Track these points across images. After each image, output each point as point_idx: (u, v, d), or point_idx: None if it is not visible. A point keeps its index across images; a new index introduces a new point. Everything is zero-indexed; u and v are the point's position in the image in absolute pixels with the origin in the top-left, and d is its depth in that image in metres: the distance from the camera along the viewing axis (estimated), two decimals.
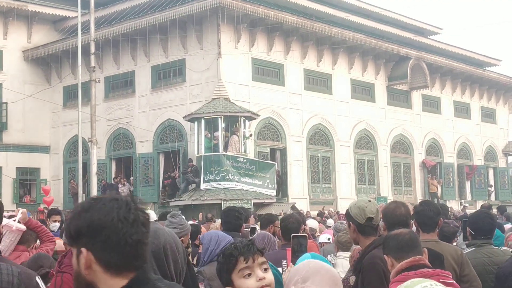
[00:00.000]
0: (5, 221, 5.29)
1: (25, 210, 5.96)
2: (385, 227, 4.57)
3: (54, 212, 9.90)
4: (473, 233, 5.57)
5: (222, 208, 19.43)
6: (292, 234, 3.14)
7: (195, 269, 5.25)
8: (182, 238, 5.63)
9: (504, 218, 12.40)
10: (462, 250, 5.06)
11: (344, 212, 5.94)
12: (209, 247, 5.14)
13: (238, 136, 24.44)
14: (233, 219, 6.37)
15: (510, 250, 5.73)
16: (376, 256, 3.99)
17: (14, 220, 5.46)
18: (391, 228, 4.58)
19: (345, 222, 5.64)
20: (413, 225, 5.30)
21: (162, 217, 8.38)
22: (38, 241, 5.87)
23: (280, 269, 4.38)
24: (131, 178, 28.34)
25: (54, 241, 5.89)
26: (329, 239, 8.86)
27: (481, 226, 5.52)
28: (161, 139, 27.84)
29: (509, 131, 42.66)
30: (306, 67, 29.40)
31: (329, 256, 7.37)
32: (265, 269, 2.61)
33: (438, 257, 4.32)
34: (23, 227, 5.63)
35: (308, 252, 3.11)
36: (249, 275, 2.57)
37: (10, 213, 5.92)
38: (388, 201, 21.05)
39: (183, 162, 26.09)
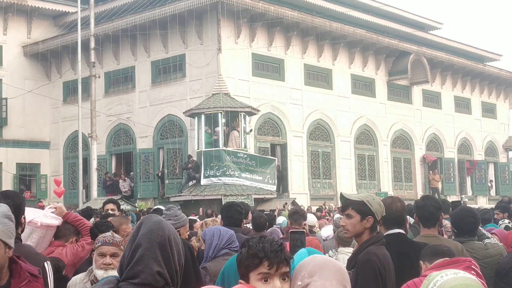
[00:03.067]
0: (31, 216, 5.15)
1: (60, 204, 5.82)
2: (380, 223, 4.54)
3: (108, 201, 9.24)
4: (455, 231, 5.54)
5: (223, 204, 19.48)
6: (290, 230, 3.12)
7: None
8: (178, 230, 5.61)
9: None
10: (462, 245, 5.04)
11: None
12: (212, 242, 5.14)
13: (239, 132, 24.41)
14: (235, 213, 6.38)
15: (494, 240, 5.71)
16: (372, 253, 3.95)
17: (40, 216, 5.33)
18: (387, 224, 4.55)
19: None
20: (410, 220, 5.29)
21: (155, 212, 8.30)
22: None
23: None
24: (131, 173, 28.38)
25: None
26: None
27: (463, 225, 5.48)
28: (161, 134, 27.83)
29: (510, 126, 42.64)
30: (306, 62, 29.36)
31: (330, 251, 7.34)
32: (285, 279, 2.51)
33: None
34: (53, 222, 5.44)
35: (308, 249, 3.09)
36: (266, 280, 2.48)
37: (47, 208, 5.78)
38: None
39: (183, 157, 26.11)
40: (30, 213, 5.25)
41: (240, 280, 2.54)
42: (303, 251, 2.77)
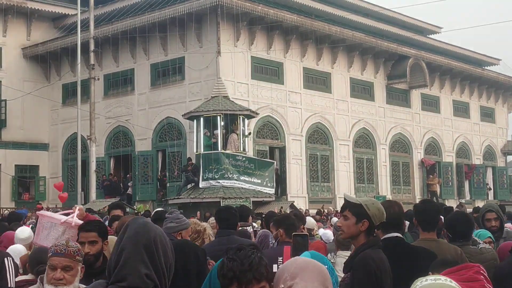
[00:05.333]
0: (64, 217, 5.39)
1: (82, 206, 6.00)
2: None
3: (114, 205, 8.79)
4: (450, 236, 5.53)
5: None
6: (293, 233, 3.15)
7: None
8: (180, 232, 5.62)
9: (505, 217, 12.39)
10: (462, 250, 5.05)
11: None
12: None
13: (237, 134, 24.43)
14: (230, 216, 6.42)
15: (487, 246, 5.70)
16: (368, 256, 3.96)
17: (72, 217, 5.54)
18: (384, 228, 4.57)
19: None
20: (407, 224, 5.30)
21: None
22: None
23: (275, 266, 4.36)
24: (128, 176, 28.43)
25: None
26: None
27: (459, 230, 5.45)
28: (160, 137, 27.84)
29: (508, 131, 42.70)
30: (305, 65, 29.40)
31: (329, 255, 7.35)
32: None
33: (431, 257, 4.35)
34: (81, 223, 5.69)
35: (311, 252, 3.10)
36: None
37: (67, 211, 6.01)
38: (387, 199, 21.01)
39: (182, 160, 26.12)
40: (61, 216, 5.55)
41: None
42: (306, 254, 2.79)
